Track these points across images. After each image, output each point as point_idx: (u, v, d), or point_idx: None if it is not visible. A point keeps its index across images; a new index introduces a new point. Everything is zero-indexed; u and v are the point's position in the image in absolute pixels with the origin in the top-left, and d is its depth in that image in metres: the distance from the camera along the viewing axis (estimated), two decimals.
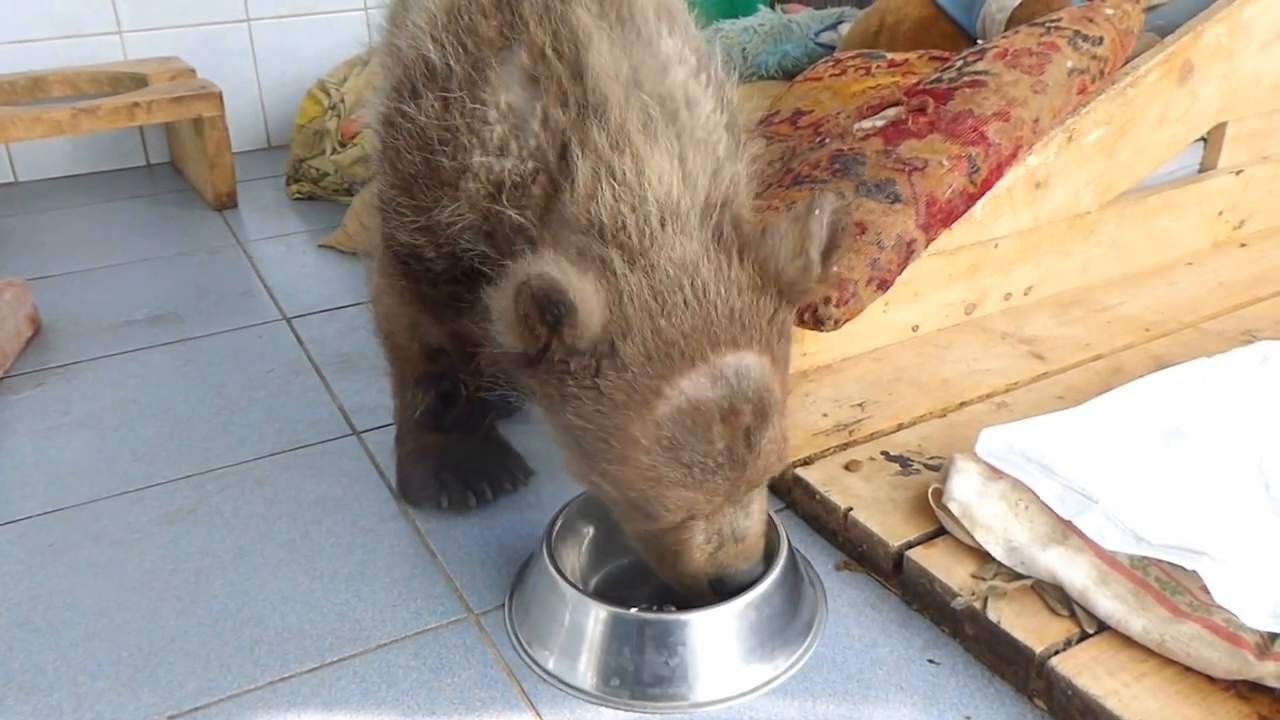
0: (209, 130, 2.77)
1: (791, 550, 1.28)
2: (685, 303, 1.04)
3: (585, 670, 1.20)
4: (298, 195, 2.91)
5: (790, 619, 1.24)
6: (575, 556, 1.36)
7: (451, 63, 1.15)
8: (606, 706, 1.17)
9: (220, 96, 2.77)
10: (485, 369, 1.21)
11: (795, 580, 1.27)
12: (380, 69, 1.40)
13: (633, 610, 1.21)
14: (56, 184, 3.13)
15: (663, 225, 1.06)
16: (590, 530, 1.37)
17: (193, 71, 2.98)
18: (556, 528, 1.32)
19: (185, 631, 1.30)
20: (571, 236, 1.08)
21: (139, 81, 2.89)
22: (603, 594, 1.32)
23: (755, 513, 1.16)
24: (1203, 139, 2.13)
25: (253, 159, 3.28)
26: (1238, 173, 2.15)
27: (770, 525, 1.29)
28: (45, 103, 2.86)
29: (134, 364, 1.99)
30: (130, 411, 1.82)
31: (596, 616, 1.20)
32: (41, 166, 3.17)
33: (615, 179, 1.06)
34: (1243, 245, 2.20)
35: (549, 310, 1.00)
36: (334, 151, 2.76)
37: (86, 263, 2.50)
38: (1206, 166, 2.16)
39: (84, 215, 2.86)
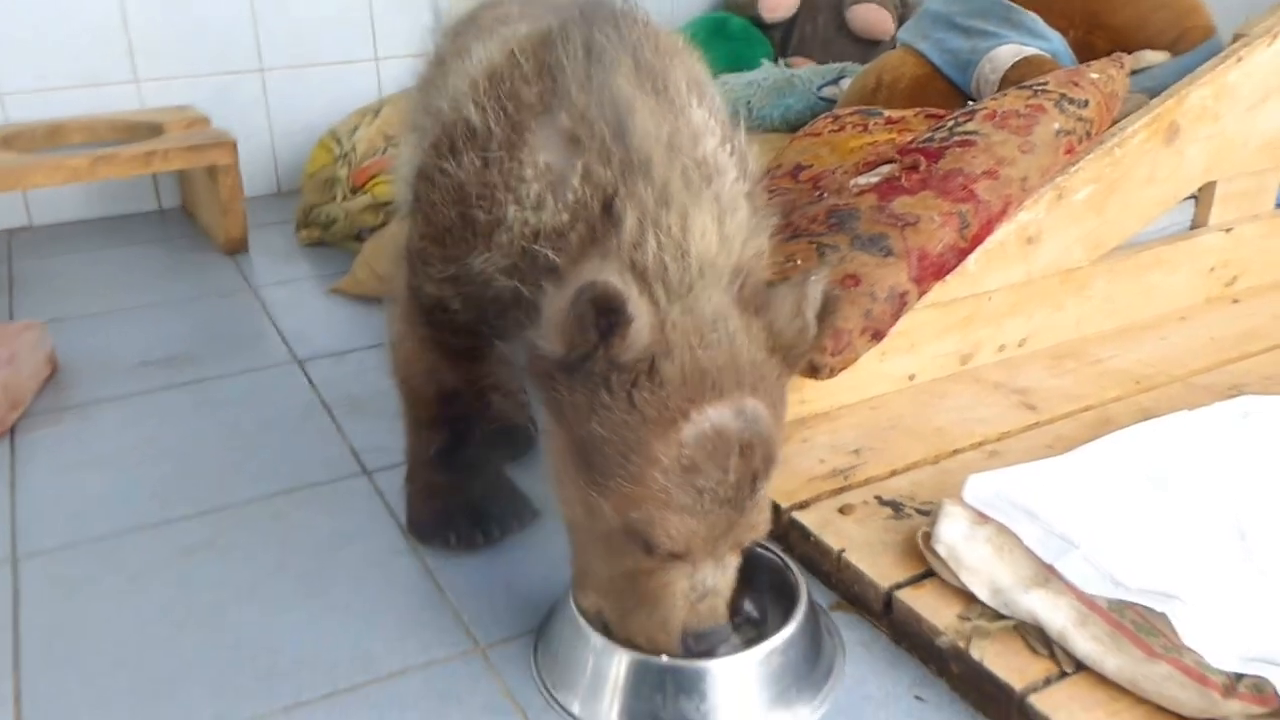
0: (222, 177, 2.82)
1: (811, 599, 1.31)
2: (719, 342, 1.09)
3: (609, 715, 1.22)
4: (307, 241, 2.95)
5: (810, 667, 1.26)
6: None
7: (492, 125, 1.21)
8: None
9: (234, 145, 2.83)
10: (497, 407, 1.26)
11: (815, 628, 1.30)
12: (414, 129, 1.46)
13: (661, 658, 1.21)
14: (70, 228, 3.19)
15: (701, 275, 1.11)
16: None
17: (207, 120, 3.06)
18: None
19: (204, 659, 1.34)
20: None
21: (155, 130, 2.96)
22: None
23: (731, 574, 1.18)
24: (1194, 196, 2.17)
25: (263, 204, 3.33)
26: (1228, 230, 2.19)
27: (789, 571, 1.34)
28: (64, 149, 2.93)
29: (149, 404, 2.05)
30: (146, 450, 1.87)
31: (620, 662, 1.22)
32: (55, 211, 3.22)
33: (660, 230, 1.11)
34: (1235, 301, 2.24)
35: (605, 316, 1.04)
36: (344, 199, 2.82)
37: (101, 305, 2.56)
38: (1198, 224, 2.20)
39: (98, 259, 2.92)
